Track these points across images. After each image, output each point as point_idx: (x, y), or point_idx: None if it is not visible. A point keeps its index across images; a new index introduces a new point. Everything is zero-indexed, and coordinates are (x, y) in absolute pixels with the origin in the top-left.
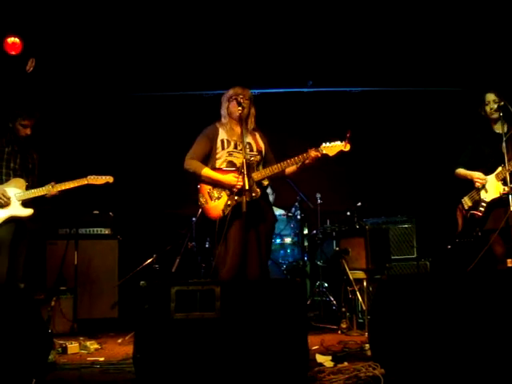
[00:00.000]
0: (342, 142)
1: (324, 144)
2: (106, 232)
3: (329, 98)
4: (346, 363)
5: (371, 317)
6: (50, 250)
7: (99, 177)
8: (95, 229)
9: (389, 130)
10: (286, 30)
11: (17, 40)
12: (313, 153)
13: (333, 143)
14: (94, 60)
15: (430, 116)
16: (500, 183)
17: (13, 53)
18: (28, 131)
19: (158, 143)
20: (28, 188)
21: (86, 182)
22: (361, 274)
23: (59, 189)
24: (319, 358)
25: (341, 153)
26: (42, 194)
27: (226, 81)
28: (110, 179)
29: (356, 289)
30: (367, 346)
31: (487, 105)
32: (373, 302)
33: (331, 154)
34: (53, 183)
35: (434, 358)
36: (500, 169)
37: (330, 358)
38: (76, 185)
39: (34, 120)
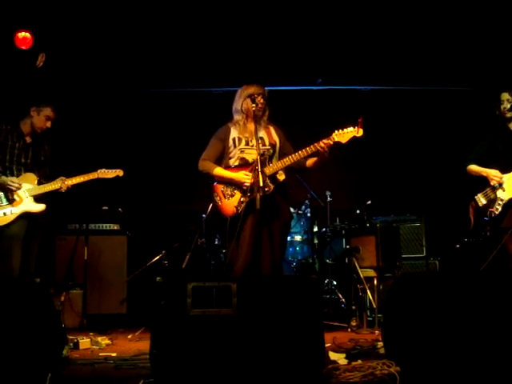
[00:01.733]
0: (354, 127)
1: (336, 131)
2: (115, 228)
3: (339, 97)
4: (359, 361)
5: (385, 314)
6: (59, 245)
7: (109, 170)
8: (104, 224)
9: (399, 129)
10: (295, 28)
11: (27, 35)
12: (323, 142)
13: (345, 130)
14: (105, 55)
15: (440, 115)
16: None
17: (23, 47)
18: (49, 124)
19: (167, 139)
20: (40, 182)
21: (97, 176)
22: (371, 273)
23: (72, 182)
24: (333, 356)
25: (354, 139)
26: (54, 188)
27: (235, 78)
28: (120, 173)
29: (366, 287)
30: (379, 343)
31: (501, 104)
32: (387, 299)
33: (344, 140)
34: (62, 178)
35: (449, 356)
36: None
37: (343, 355)
38: (87, 179)
39: (57, 115)
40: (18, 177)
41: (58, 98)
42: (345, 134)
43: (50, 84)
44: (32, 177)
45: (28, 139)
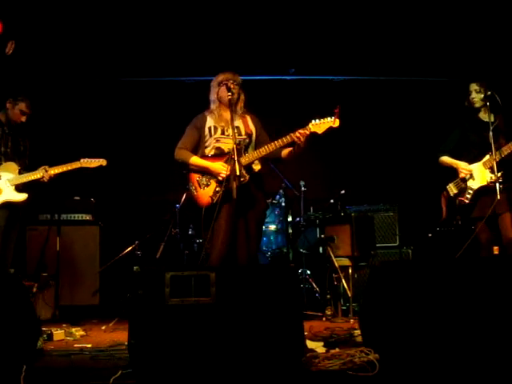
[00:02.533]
0: (330, 118)
1: (313, 121)
2: (88, 218)
3: (312, 87)
4: (337, 349)
5: (363, 302)
6: (30, 235)
7: (92, 160)
8: (76, 215)
9: (372, 119)
10: (268, 18)
11: None
12: (299, 132)
13: (321, 120)
14: (79, 43)
15: (413, 105)
16: (488, 171)
17: None
18: (24, 119)
19: (140, 129)
20: (20, 172)
21: (80, 166)
22: (346, 262)
23: (55, 172)
24: (310, 344)
25: (330, 129)
26: (37, 177)
27: (208, 67)
28: (103, 162)
29: (341, 276)
30: (356, 332)
31: (470, 94)
32: (365, 288)
33: (320, 131)
34: (45, 167)
35: (427, 343)
36: (488, 157)
37: (321, 343)
38: (69, 168)
39: (32, 111)
40: None
41: (32, 87)
42: (321, 125)
43: (22, 72)
44: (13, 166)
45: (6, 129)
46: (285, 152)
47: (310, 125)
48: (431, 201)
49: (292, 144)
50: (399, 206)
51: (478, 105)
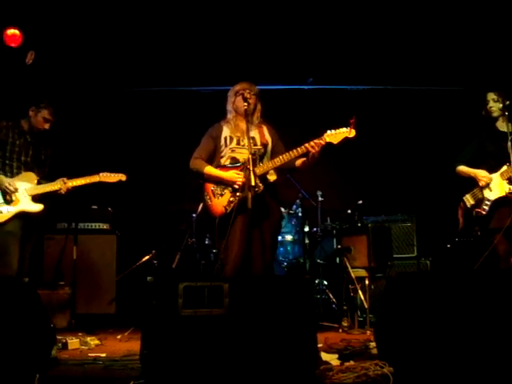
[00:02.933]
0: (346, 128)
1: (328, 131)
2: (105, 227)
3: (330, 96)
4: (352, 361)
5: (378, 314)
6: (48, 244)
7: (112, 174)
8: (94, 224)
9: (390, 129)
10: (286, 27)
11: (16, 32)
12: (314, 142)
13: (337, 130)
14: (94, 54)
15: (431, 114)
16: (505, 182)
17: (12, 45)
18: (47, 126)
19: (157, 139)
20: (39, 182)
21: (98, 179)
22: (362, 272)
23: (73, 184)
24: (325, 356)
25: (346, 140)
26: (54, 189)
27: (225, 77)
28: (122, 177)
29: (358, 287)
30: (372, 344)
31: (487, 104)
32: (380, 299)
33: (335, 141)
34: (64, 179)
35: (443, 357)
36: (505, 167)
37: (336, 356)
38: (88, 181)
39: (56, 118)
40: (17, 175)
41: (53, 97)
42: (337, 135)
43: (40, 82)
44: (31, 176)
45: (28, 137)
46: (299, 162)
47: (325, 135)
48: (450, 211)
49: (306, 154)
50: (417, 217)
51: (495, 114)
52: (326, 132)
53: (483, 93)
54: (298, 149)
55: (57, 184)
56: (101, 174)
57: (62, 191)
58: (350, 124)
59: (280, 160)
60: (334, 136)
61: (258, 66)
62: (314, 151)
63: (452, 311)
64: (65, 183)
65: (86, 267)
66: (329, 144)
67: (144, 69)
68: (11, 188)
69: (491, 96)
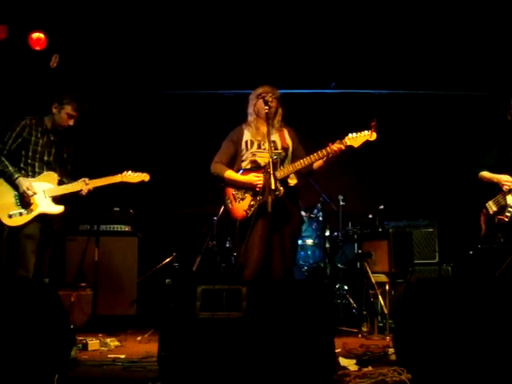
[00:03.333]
0: (367, 131)
1: (349, 135)
2: (126, 229)
3: (352, 100)
4: (370, 367)
5: (397, 320)
6: (70, 245)
7: (134, 174)
8: (115, 226)
9: (412, 133)
10: (309, 31)
11: (41, 35)
12: (335, 146)
13: (358, 134)
14: (118, 57)
15: (453, 119)
16: None
17: (37, 48)
18: (71, 122)
19: (179, 141)
20: (60, 182)
21: (121, 180)
22: (383, 278)
23: (95, 185)
24: (343, 362)
25: (366, 143)
26: (76, 190)
27: (248, 80)
28: (145, 177)
29: (378, 292)
30: (391, 350)
31: None
32: (400, 305)
33: (356, 145)
34: (86, 179)
35: (462, 364)
36: None
37: (354, 361)
38: (110, 182)
39: (80, 113)
40: (38, 175)
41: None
42: (357, 138)
43: (62, 85)
44: (53, 176)
45: (52, 136)
46: (316, 165)
47: (346, 138)
48: (472, 217)
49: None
50: (439, 222)
51: None
52: (347, 135)
53: (507, 98)
54: (319, 152)
55: (78, 185)
56: (123, 174)
57: (84, 192)
58: (371, 127)
59: (301, 164)
60: (355, 139)
61: (281, 70)
62: (334, 153)
63: (472, 318)
64: (86, 184)
65: (107, 269)
66: (350, 147)
67: (167, 72)
68: (29, 192)
69: None
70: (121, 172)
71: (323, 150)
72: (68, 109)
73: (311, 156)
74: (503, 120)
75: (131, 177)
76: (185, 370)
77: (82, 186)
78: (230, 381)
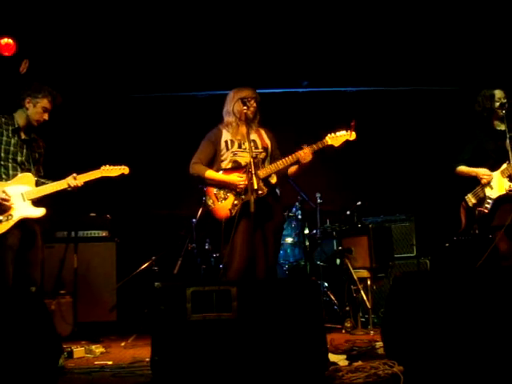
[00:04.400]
0: (347, 131)
1: (329, 134)
2: (104, 234)
3: (326, 98)
4: (360, 362)
5: (385, 314)
6: (48, 253)
7: (113, 167)
8: (92, 231)
9: (387, 129)
10: (279, 30)
11: (10, 41)
12: (318, 143)
13: (338, 133)
14: (90, 61)
15: (427, 114)
16: (506, 180)
17: (6, 54)
18: (46, 116)
19: (154, 144)
20: (38, 182)
21: (100, 175)
22: (364, 273)
23: (84, 180)
24: (332, 357)
25: (346, 142)
26: (60, 189)
27: (220, 81)
28: (125, 170)
29: (360, 287)
30: (378, 344)
31: (497, 101)
32: (387, 299)
33: (336, 144)
34: (74, 175)
35: (451, 354)
36: (505, 165)
37: (344, 357)
38: (92, 177)
39: (55, 105)
40: (13, 177)
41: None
42: (338, 138)
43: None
44: (29, 177)
45: (23, 135)
46: (291, 169)
47: (326, 137)
48: (448, 210)
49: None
50: (416, 216)
51: (502, 113)
52: (327, 134)
53: (476, 91)
54: (301, 152)
55: (64, 183)
56: (102, 168)
57: (71, 187)
58: (351, 127)
59: (283, 162)
60: (336, 139)
61: (253, 70)
62: (307, 158)
63: (457, 309)
64: (75, 179)
65: (86, 275)
66: (330, 146)
67: (140, 74)
68: (3, 196)
69: (501, 94)
70: (98, 167)
71: (305, 149)
72: (44, 102)
73: (294, 154)
74: (475, 114)
75: (110, 170)
76: (178, 373)
77: (71, 182)
78: (224, 382)
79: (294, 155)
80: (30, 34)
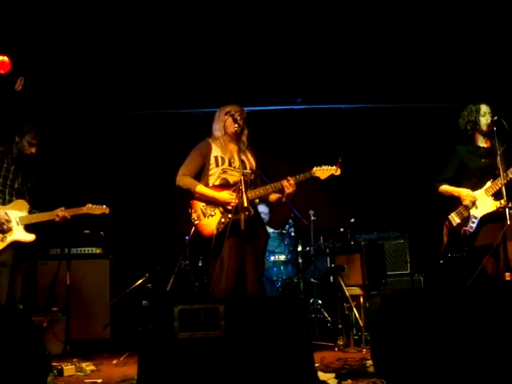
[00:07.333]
0: (333, 166)
1: (316, 167)
2: (98, 251)
3: (319, 115)
4: (349, 380)
5: (374, 333)
6: (41, 270)
7: (96, 206)
8: (86, 248)
9: (380, 146)
10: (274, 48)
11: (5, 59)
12: (306, 174)
13: (325, 167)
14: (84, 78)
15: (421, 131)
16: (491, 198)
17: (1, 72)
18: (33, 150)
19: (148, 161)
20: (30, 211)
21: (85, 211)
22: (357, 291)
23: (71, 214)
24: (322, 376)
25: (332, 177)
26: (49, 218)
27: (215, 99)
28: (106, 210)
29: (353, 305)
30: (368, 362)
31: (483, 116)
32: (376, 317)
33: (323, 177)
34: (62, 208)
35: (440, 374)
36: (489, 184)
37: (333, 375)
38: (77, 213)
39: (41, 139)
40: (9, 202)
41: (39, 121)
42: (324, 171)
43: (30, 108)
44: (24, 204)
45: (18, 164)
46: (272, 197)
47: (314, 169)
48: (442, 227)
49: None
50: (409, 233)
51: (485, 128)
52: (314, 167)
53: (460, 108)
54: (284, 181)
55: (53, 214)
56: (87, 206)
57: (58, 219)
58: (338, 163)
59: (272, 187)
60: (322, 172)
61: (247, 88)
62: (293, 189)
63: (447, 328)
64: (62, 212)
65: (79, 292)
66: (316, 178)
67: (134, 92)
68: (6, 225)
69: (487, 109)
70: (83, 204)
71: (295, 177)
72: (28, 137)
73: (281, 182)
74: (456, 130)
75: (94, 209)
76: None
77: (59, 213)
78: None
79: (278, 183)
80: (24, 51)
